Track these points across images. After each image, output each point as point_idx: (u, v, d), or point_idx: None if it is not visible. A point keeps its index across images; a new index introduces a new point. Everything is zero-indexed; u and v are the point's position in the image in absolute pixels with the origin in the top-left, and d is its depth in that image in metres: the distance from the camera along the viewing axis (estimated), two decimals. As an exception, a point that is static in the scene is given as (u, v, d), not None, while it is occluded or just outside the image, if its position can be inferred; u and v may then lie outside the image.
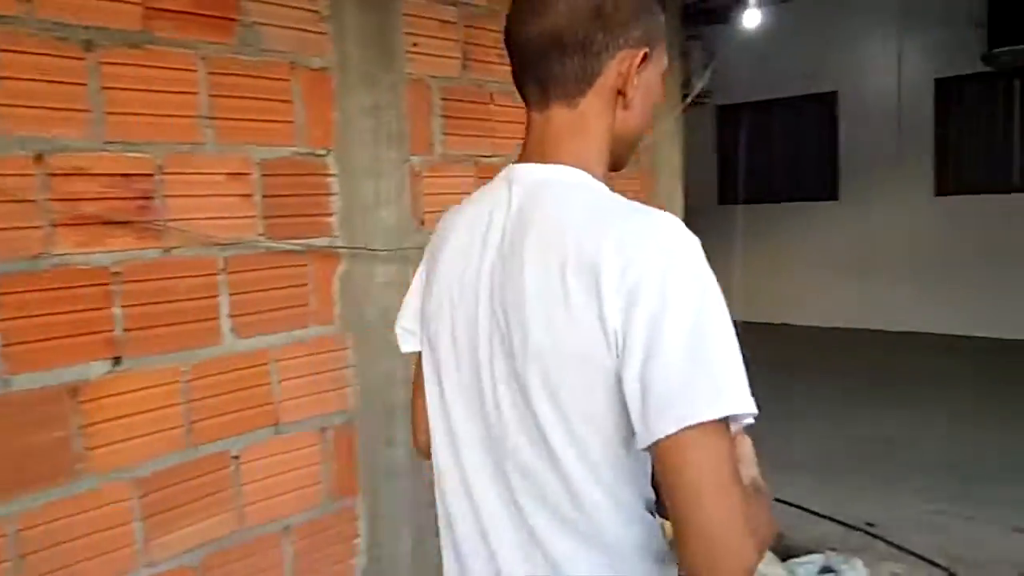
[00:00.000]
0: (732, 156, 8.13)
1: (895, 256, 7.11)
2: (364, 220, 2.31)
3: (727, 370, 0.72)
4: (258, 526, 2.09)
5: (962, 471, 3.69)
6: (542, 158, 0.87)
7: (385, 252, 2.35)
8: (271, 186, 2.09)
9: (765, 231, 7.93)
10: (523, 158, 0.90)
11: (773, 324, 7.76)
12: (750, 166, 8.05)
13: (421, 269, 1.02)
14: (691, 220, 0.95)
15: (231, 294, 2.01)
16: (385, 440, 2.37)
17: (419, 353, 0.99)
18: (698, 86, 4.46)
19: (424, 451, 1.00)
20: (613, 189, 0.86)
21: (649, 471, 0.80)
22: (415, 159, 2.45)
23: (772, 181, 7.91)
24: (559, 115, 0.87)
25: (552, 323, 0.77)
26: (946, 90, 6.80)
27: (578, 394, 0.77)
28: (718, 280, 0.76)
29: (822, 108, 7.48)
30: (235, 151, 2.01)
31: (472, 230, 0.90)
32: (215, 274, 1.98)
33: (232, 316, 2.01)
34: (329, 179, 2.22)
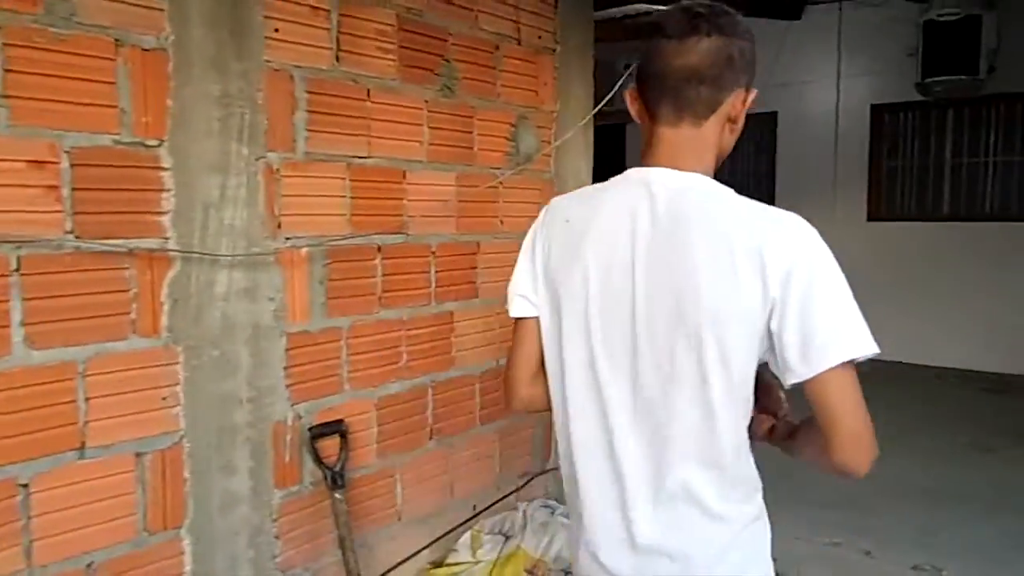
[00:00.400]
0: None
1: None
2: (206, 221, 2.07)
3: (861, 324, 1.04)
4: (53, 563, 1.83)
5: (861, 504, 3.59)
6: (674, 165, 1.10)
7: (230, 257, 2.12)
8: (85, 178, 1.84)
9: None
10: (654, 163, 1.12)
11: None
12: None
13: (535, 247, 1.19)
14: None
15: (26, 299, 1.76)
16: (221, 466, 2.13)
17: (525, 319, 1.18)
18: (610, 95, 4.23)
19: (521, 408, 1.23)
20: None
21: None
22: (272, 156, 2.22)
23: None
24: (688, 131, 1.11)
25: (721, 290, 1.02)
26: (880, 116, 6.81)
27: (737, 342, 1.02)
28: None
29: (762, 129, 7.45)
30: (37, 136, 1.76)
31: (616, 220, 1.10)
32: (6, 275, 1.73)
33: (27, 324, 1.76)
34: (161, 173, 1.97)
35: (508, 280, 1.23)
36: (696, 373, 1.04)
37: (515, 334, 1.20)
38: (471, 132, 2.86)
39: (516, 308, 1.20)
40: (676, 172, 1.10)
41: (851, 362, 1.02)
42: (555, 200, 1.23)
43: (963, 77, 5.95)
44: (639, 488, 1.08)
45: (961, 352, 6.46)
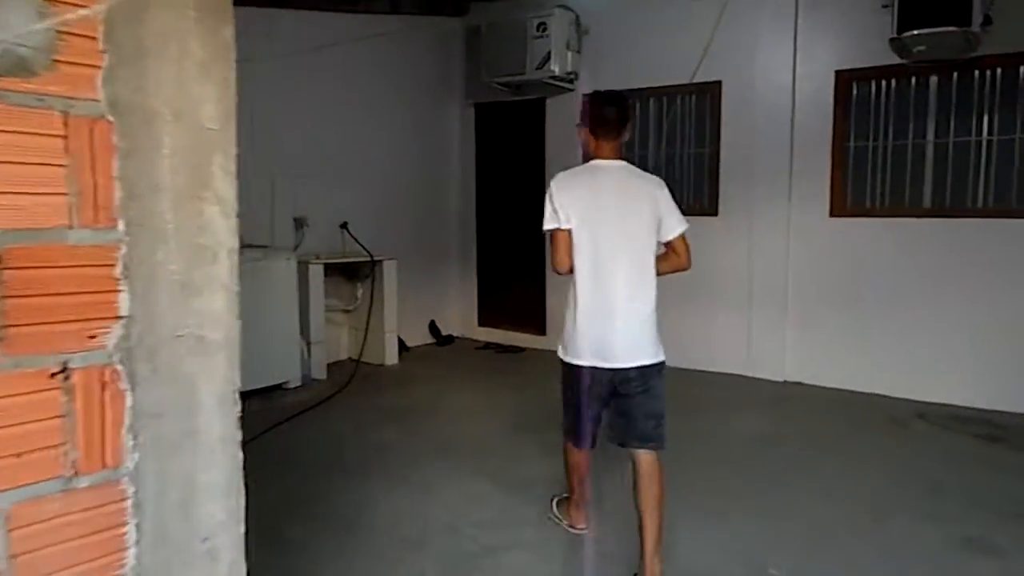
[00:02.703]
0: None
1: (775, 286, 5.73)
2: None
3: (684, 220, 2.83)
4: None
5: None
6: (613, 157, 2.82)
7: None
8: None
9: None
10: (603, 158, 2.82)
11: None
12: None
13: (555, 200, 2.75)
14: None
15: None
16: None
17: (566, 229, 2.75)
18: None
19: (564, 271, 2.80)
20: None
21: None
22: None
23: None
24: (614, 143, 2.82)
25: (644, 208, 2.75)
26: (847, 85, 5.43)
27: (652, 225, 2.76)
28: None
29: (703, 103, 6.05)
30: None
31: (591, 185, 2.78)
32: None
33: None
34: None
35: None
36: (640, 237, 2.74)
37: (555, 241, 2.79)
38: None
39: (551, 226, 2.78)
40: (614, 161, 2.82)
41: (683, 234, 2.79)
42: (559, 175, 2.84)
43: (951, 30, 4.59)
44: (613, 292, 2.74)
45: (948, 384, 5.12)
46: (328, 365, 6.07)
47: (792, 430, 4.64)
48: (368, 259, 6.11)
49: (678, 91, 6.13)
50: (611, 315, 2.72)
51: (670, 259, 2.81)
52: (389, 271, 6.27)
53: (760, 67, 5.68)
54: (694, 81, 5.97)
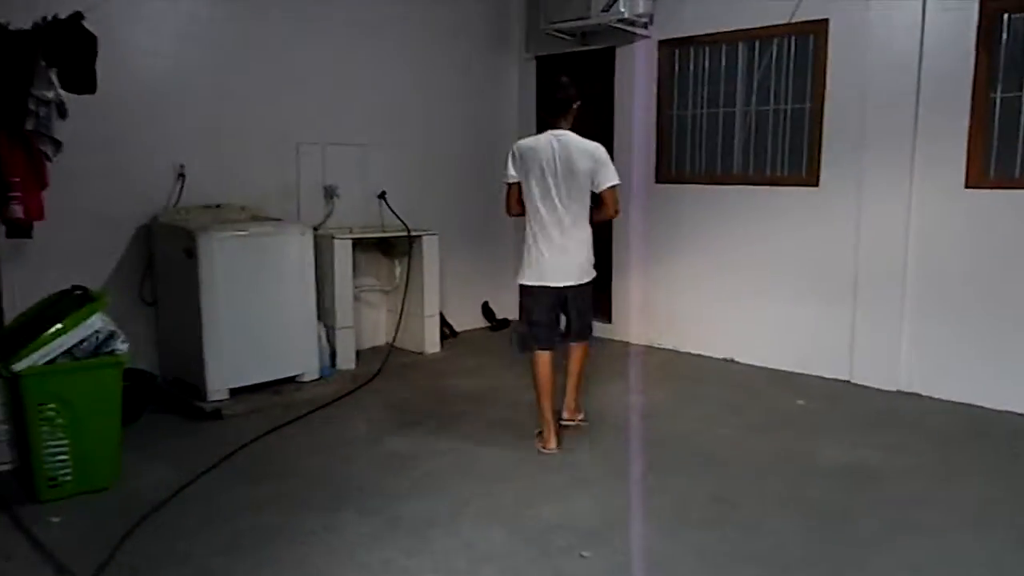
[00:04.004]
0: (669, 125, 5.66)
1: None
2: None
3: (615, 174, 3.66)
4: None
5: None
6: (564, 127, 3.65)
7: None
8: None
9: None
10: (558, 127, 3.65)
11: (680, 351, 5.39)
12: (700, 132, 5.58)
13: (514, 159, 3.69)
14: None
15: None
16: None
17: (516, 182, 3.70)
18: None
19: (514, 214, 3.82)
20: None
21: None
22: None
23: (726, 155, 5.44)
24: (566, 120, 3.67)
25: (583, 166, 3.57)
26: (992, 22, 4.23)
27: (586, 178, 3.60)
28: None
29: (801, 48, 4.96)
30: None
31: (543, 146, 3.61)
32: None
33: None
34: None
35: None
36: (579, 189, 3.60)
37: (509, 191, 3.73)
38: None
39: (511, 178, 3.70)
40: (562, 130, 3.63)
41: (614, 187, 3.62)
42: (519, 141, 3.74)
43: None
44: (552, 231, 3.63)
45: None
46: (362, 352, 5.45)
47: (906, 462, 3.62)
48: (405, 233, 5.40)
49: (773, 33, 5.04)
50: (552, 247, 3.67)
51: (601, 208, 3.71)
52: (430, 247, 5.54)
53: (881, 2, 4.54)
54: (793, 20, 4.88)
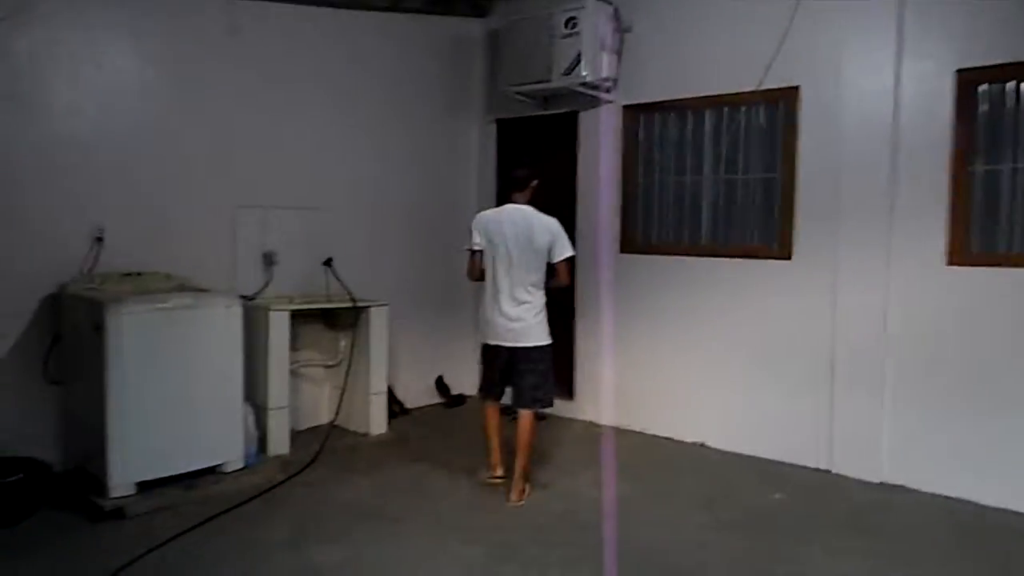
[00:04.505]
0: (633, 192, 5.39)
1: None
2: None
3: (571, 248, 4.04)
4: None
5: None
6: (521, 202, 4.04)
7: None
8: None
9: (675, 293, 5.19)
10: (517, 202, 4.04)
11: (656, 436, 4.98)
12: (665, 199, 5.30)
13: (477, 230, 4.06)
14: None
15: None
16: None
17: (479, 251, 4.05)
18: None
19: (475, 280, 4.16)
20: None
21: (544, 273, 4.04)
22: None
23: (694, 225, 5.16)
24: (524, 195, 4.06)
25: (542, 240, 3.93)
26: (968, 90, 4.04)
27: (542, 254, 3.95)
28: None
29: (770, 117, 4.74)
30: None
31: (506, 219, 3.99)
32: None
33: None
34: None
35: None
36: (537, 260, 3.94)
37: (471, 259, 4.10)
38: None
39: (475, 246, 4.05)
40: (522, 206, 4.02)
41: (569, 258, 3.98)
42: (480, 213, 4.18)
43: None
44: (509, 296, 3.96)
45: None
46: (300, 434, 4.96)
47: (898, 572, 3.22)
48: (350, 304, 4.98)
49: (742, 100, 4.83)
50: (507, 310, 3.98)
51: (556, 277, 4.02)
52: (378, 319, 5.11)
53: (851, 67, 4.34)
54: (762, 88, 4.66)
